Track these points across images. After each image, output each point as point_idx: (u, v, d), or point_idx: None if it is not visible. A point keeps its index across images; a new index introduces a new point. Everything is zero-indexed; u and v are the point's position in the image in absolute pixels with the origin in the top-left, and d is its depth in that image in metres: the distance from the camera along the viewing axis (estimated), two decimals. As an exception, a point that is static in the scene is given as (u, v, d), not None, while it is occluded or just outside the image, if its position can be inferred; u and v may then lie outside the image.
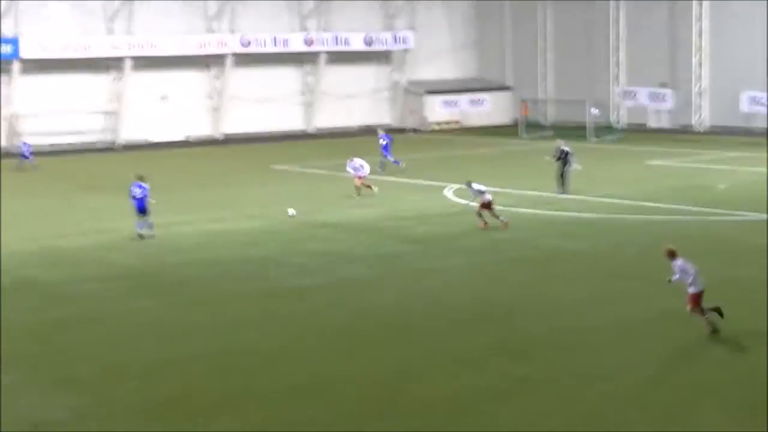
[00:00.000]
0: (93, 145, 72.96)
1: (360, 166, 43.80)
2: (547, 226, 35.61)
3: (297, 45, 78.97)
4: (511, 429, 16.57)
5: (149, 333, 23.10)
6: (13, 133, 71.02)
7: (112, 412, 17.92)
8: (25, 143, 61.73)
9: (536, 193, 43.29)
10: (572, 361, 19.96)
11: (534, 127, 76.01)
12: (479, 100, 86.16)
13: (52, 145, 71.17)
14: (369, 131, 79.86)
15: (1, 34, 70.22)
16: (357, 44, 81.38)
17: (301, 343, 22.02)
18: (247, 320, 23.93)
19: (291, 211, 37.77)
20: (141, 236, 34.66)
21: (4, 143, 71.01)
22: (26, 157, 60.03)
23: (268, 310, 24.93)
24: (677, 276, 21.06)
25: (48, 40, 70.73)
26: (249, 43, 76.93)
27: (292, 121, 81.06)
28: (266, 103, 79.42)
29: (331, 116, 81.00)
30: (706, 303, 21.00)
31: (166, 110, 76.45)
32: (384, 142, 53.17)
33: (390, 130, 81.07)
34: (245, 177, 52.91)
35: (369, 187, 43.29)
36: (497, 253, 31.11)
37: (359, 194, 43.00)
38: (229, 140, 76.41)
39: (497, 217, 34.47)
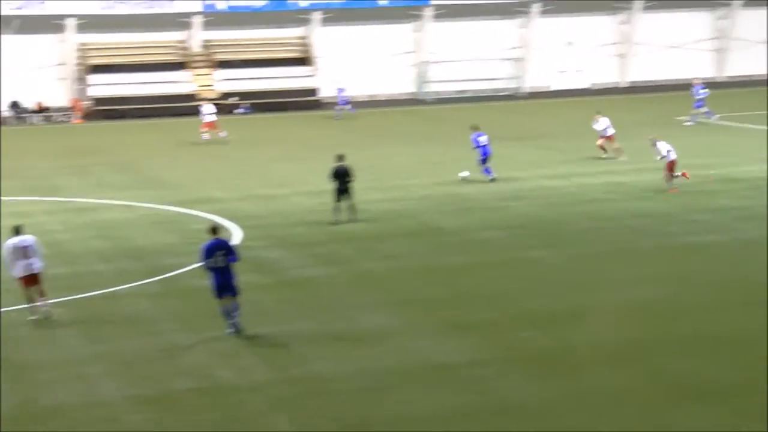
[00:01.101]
0: (498, 92, 73.99)
1: (608, 126, 41.54)
2: None
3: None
4: None
5: (546, 283, 23.27)
6: (422, 79, 73.42)
7: (509, 359, 18.25)
8: (340, 90, 63.04)
9: None
10: None
11: None
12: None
13: (458, 92, 72.96)
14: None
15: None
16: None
17: (694, 299, 21.52)
18: (643, 275, 23.53)
19: (463, 174, 36.93)
20: (493, 180, 36.31)
21: (413, 89, 73.70)
22: (343, 105, 61.74)
23: (664, 266, 24.43)
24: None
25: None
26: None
27: (702, 68, 78.24)
28: (674, 50, 77.16)
29: (744, 63, 77.36)
30: None
31: (570, 57, 76.17)
32: (701, 96, 51.23)
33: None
34: (645, 128, 51.75)
35: (617, 149, 41.27)
36: None
37: (606, 155, 41.07)
38: (634, 89, 74.97)
39: (676, 176, 33.62)
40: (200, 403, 16.60)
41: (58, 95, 66.61)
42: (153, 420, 16.00)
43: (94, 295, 23.11)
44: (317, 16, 70.50)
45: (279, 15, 70.57)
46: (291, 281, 24.29)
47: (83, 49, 66.88)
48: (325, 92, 70.20)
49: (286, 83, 68.98)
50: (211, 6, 68.21)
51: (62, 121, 63.98)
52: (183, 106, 65.03)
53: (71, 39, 66.42)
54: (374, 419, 15.90)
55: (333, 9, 70.53)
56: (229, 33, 70.09)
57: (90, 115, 65.23)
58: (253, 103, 67.01)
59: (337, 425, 15.71)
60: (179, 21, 68.56)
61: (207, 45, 69.69)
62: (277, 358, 18.71)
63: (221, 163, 43.68)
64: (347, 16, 71.23)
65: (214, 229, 20.43)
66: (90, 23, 66.24)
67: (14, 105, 64.35)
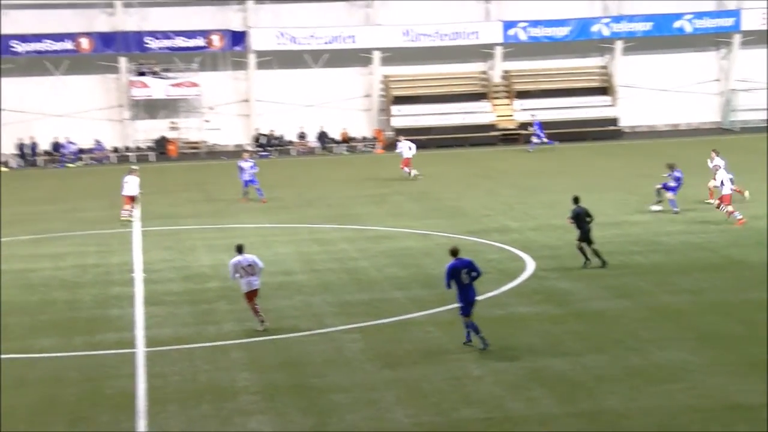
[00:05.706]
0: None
1: None
2: None
3: None
4: None
5: None
6: (729, 107, 70.99)
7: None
8: (537, 123, 62.26)
9: None
10: None
11: None
12: None
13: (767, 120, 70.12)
14: None
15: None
16: None
17: None
18: None
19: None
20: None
21: (718, 118, 71.60)
22: (538, 138, 61.40)
23: None
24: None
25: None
26: None
27: None
28: None
29: None
30: None
31: None
32: None
33: None
34: None
35: None
36: None
37: None
38: None
39: None
40: (488, 434, 16.58)
41: (362, 126, 68.80)
42: (441, 448, 16.09)
43: (390, 321, 23.55)
44: (619, 44, 69.58)
45: (580, 44, 70.15)
46: (583, 313, 23.89)
47: (387, 81, 68.73)
48: (626, 122, 69.13)
49: (585, 113, 68.46)
50: (513, 36, 68.61)
51: (365, 151, 65.91)
52: (482, 136, 65.70)
53: (377, 71, 68.38)
54: (666, 459, 15.38)
55: (636, 38, 69.46)
56: (529, 63, 70.29)
57: (391, 145, 66.91)
58: (552, 133, 66.82)
59: (628, 463, 15.30)
60: (481, 52, 69.34)
61: (507, 75, 70.08)
62: (567, 391, 18.40)
63: (516, 193, 43.72)
64: (650, 45, 69.97)
65: (455, 251, 21.32)
66: (395, 56, 68.02)
67: (322, 136, 66.88)
